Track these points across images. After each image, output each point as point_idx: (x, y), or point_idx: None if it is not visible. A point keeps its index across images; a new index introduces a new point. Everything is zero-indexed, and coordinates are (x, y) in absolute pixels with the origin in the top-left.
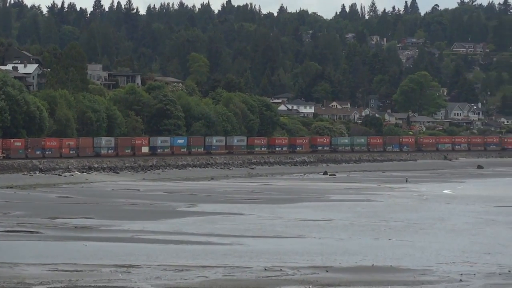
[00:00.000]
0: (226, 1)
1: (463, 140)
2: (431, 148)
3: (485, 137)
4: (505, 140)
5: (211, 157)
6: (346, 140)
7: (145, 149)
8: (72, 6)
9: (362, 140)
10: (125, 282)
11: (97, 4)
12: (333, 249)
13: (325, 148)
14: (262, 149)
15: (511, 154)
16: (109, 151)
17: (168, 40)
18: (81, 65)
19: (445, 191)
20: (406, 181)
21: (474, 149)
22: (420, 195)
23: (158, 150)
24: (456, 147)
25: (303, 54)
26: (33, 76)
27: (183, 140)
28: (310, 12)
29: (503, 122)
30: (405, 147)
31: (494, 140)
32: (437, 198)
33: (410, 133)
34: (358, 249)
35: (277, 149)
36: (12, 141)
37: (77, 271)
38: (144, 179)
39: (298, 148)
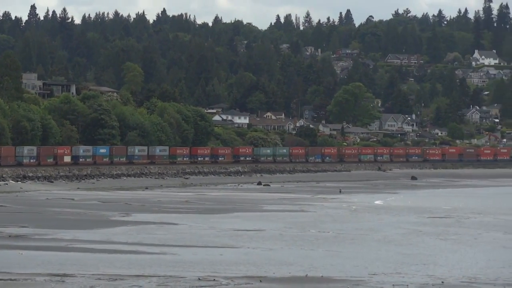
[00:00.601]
0: (161, 11)
1: (385, 151)
2: (353, 159)
3: (407, 148)
4: (427, 151)
5: (145, 167)
6: (269, 151)
7: (67, 159)
8: (7, 14)
9: (284, 150)
10: None
11: (32, 13)
12: (266, 259)
13: (247, 158)
14: (184, 159)
15: (444, 166)
16: (31, 160)
17: (103, 49)
18: (15, 74)
19: (378, 202)
20: (340, 191)
21: (396, 160)
22: (352, 206)
23: (80, 160)
24: (378, 158)
25: (237, 65)
26: None
27: (105, 150)
28: (245, 22)
29: (437, 134)
30: (327, 157)
31: (416, 151)
32: (369, 209)
33: (344, 144)
34: (292, 259)
35: (199, 159)
36: None
37: (11, 279)
38: (78, 188)
39: (220, 158)
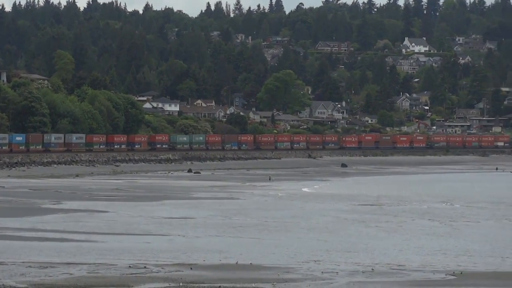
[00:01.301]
0: None
1: (301, 139)
2: (270, 147)
3: (324, 135)
4: (344, 138)
5: (76, 155)
6: (185, 138)
7: None
8: None
9: (201, 138)
10: None
11: None
12: (197, 247)
13: (164, 146)
14: (101, 146)
15: (374, 153)
16: None
17: (34, 37)
18: None
19: (308, 190)
20: (270, 179)
21: (312, 147)
22: (281, 194)
23: None
24: (295, 145)
25: (168, 52)
26: None
27: (21, 138)
28: (175, 10)
29: (367, 121)
30: (243, 145)
31: (333, 139)
32: (299, 196)
33: (275, 131)
34: (222, 247)
35: (115, 146)
36: None
37: None
38: (9, 176)
39: (136, 146)
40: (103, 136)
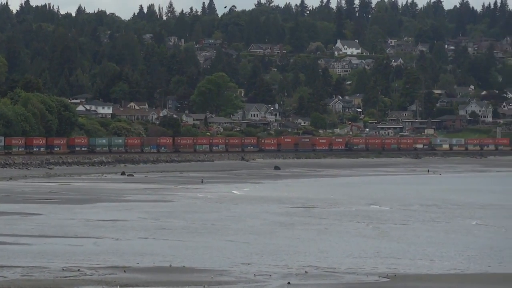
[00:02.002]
0: (25, 1)
1: (220, 141)
2: (189, 149)
3: (243, 138)
4: (263, 141)
5: (10, 157)
6: (104, 141)
7: None
8: None
9: (120, 140)
10: None
11: None
12: (130, 250)
13: (83, 148)
14: (20, 149)
15: (308, 155)
16: None
17: None
18: None
19: (241, 192)
20: (202, 181)
21: (231, 150)
22: (214, 196)
23: None
24: (214, 148)
25: (101, 55)
26: None
27: None
28: (108, 12)
29: (300, 123)
30: (162, 148)
31: (252, 141)
32: (232, 199)
33: (208, 133)
34: (156, 250)
35: (34, 149)
36: None
37: None
38: None
39: (56, 149)
40: (22, 139)
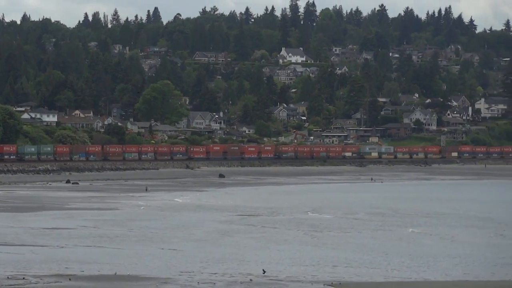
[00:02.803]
0: None
1: (149, 149)
2: (118, 158)
3: (172, 146)
4: (192, 149)
5: None
6: (33, 149)
7: None
8: None
9: (49, 148)
10: None
11: None
12: (74, 257)
13: (11, 156)
14: None
15: (252, 163)
16: None
17: None
18: None
19: (186, 200)
20: (146, 189)
21: (160, 158)
22: (158, 204)
23: None
24: (143, 156)
25: (46, 62)
26: None
27: None
28: (53, 20)
29: (245, 131)
30: (91, 156)
31: (181, 149)
32: (177, 207)
33: (153, 141)
34: (100, 258)
35: None
36: None
37: None
38: None
39: None
40: None
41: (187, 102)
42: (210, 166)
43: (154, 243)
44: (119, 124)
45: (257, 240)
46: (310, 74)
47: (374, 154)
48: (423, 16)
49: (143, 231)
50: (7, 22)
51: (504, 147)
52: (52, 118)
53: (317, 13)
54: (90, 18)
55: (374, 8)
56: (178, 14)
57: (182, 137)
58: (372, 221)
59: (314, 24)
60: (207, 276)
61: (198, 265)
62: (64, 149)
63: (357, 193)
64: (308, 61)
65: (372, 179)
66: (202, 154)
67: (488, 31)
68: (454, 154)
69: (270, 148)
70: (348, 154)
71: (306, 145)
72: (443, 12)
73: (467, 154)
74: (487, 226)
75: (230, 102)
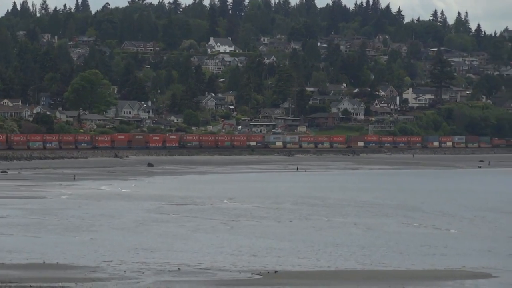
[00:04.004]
0: None
1: (54, 138)
2: (23, 146)
3: (76, 135)
4: (96, 138)
5: None
6: None
7: None
8: None
9: None
10: None
11: None
12: (2, 246)
13: None
14: None
15: (180, 152)
16: None
17: None
18: None
19: (114, 189)
20: (74, 178)
21: (65, 147)
22: (86, 193)
23: None
24: (48, 145)
25: None
26: None
27: None
28: None
29: (173, 120)
30: None
31: (86, 138)
32: (105, 195)
33: (81, 130)
34: (28, 246)
35: None
36: None
37: None
38: None
39: None
40: None
41: (115, 91)
42: (139, 155)
43: (82, 231)
44: (48, 113)
45: (185, 229)
46: (239, 64)
47: (279, 144)
48: (351, 6)
49: (71, 220)
50: None
51: (410, 137)
52: None
53: (246, 3)
54: (19, 7)
55: None
56: (107, 3)
57: (111, 126)
58: (298, 211)
59: (243, 14)
60: (135, 265)
61: (126, 254)
62: None
63: (284, 182)
64: (237, 51)
65: (297, 168)
66: (107, 143)
67: (415, 21)
68: (360, 143)
69: (174, 137)
70: (252, 143)
71: (213, 134)
72: (371, 2)
73: (373, 144)
74: (412, 215)
75: (159, 92)
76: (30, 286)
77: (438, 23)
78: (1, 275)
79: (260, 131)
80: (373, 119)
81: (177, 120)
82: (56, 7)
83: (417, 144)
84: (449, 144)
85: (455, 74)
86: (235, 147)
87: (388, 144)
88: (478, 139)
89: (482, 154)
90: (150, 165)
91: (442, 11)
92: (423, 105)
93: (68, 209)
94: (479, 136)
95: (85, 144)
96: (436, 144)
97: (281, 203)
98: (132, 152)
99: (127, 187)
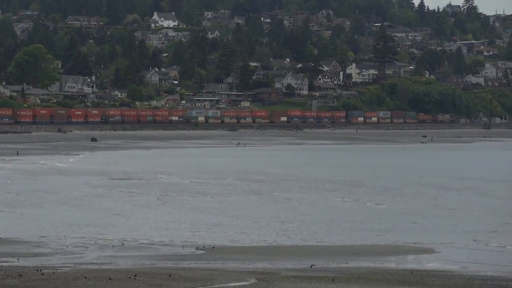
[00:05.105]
0: None
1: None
2: None
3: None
4: (18, 112)
5: None
6: None
7: None
8: None
9: None
10: None
11: None
12: None
13: None
14: None
15: (123, 127)
16: None
17: None
18: None
19: (59, 164)
20: (17, 153)
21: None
22: (31, 168)
23: None
24: None
25: None
26: None
27: None
28: None
29: (117, 95)
30: None
31: (7, 113)
32: (50, 170)
33: (25, 105)
34: None
35: None
36: None
37: None
38: None
39: None
40: None
41: (59, 66)
42: (83, 130)
43: (24, 206)
44: None
45: (129, 204)
46: (182, 39)
47: (201, 118)
48: None
49: (13, 195)
50: None
51: (334, 112)
52: None
53: None
54: None
55: None
56: None
57: (55, 100)
58: (240, 186)
59: None
60: (79, 240)
61: (68, 229)
62: None
63: (227, 157)
64: (180, 26)
65: (239, 143)
66: (29, 118)
67: None
68: (283, 118)
69: (97, 112)
70: (175, 118)
71: (137, 109)
72: None
73: (297, 119)
74: (356, 191)
75: (102, 66)
76: None
77: None
78: None
79: (204, 106)
80: (317, 94)
81: (121, 95)
82: None
83: (341, 120)
84: (374, 119)
85: (398, 49)
86: (157, 122)
87: (312, 119)
88: (404, 115)
89: (425, 129)
90: (93, 139)
91: None
92: (367, 80)
93: (10, 184)
94: (404, 111)
95: (7, 119)
96: (360, 119)
97: (224, 178)
98: (76, 127)
99: (70, 162)
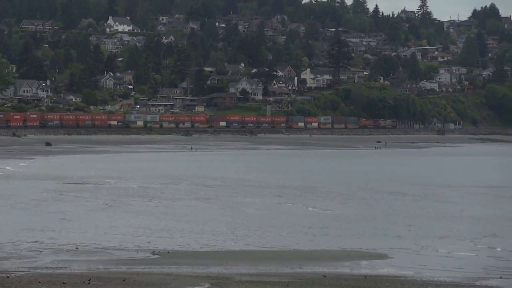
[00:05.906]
0: None
1: None
2: None
3: None
4: None
5: None
6: None
7: None
8: None
9: None
10: None
11: None
12: None
13: None
14: None
15: (78, 132)
16: None
17: None
18: None
19: (11, 168)
20: None
21: None
22: None
23: None
24: None
25: None
26: None
27: None
28: None
29: (72, 100)
30: None
31: None
32: (4, 175)
33: None
34: None
35: None
36: None
37: None
38: None
39: None
40: None
41: (14, 70)
42: (37, 134)
43: None
44: None
45: (83, 208)
46: (137, 43)
47: (140, 123)
48: None
49: None
50: None
51: (275, 117)
52: None
53: None
54: None
55: None
56: None
57: (9, 105)
58: (194, 191)
59: None
60: (33, 244)
61: (22, 233)
62: None
63: (180, 162)
64: (135, 30)
65: (192, 148)
66: None
67: (314, 2)
68: (222, 123)
69: (36, 116)
70: (113, 122)
71: (75, 113)
72: None
73: (236, 124)
74: (311, 197)
75: (57, 71)
76: None
77: (336, 4)
78: None
79: (159, 111)
80: (271, 99)
81: (76, 99)
82: None
83: (281, 125)
84: (315, 124)
85: (353, 54)
86: (96, 126)
87: (251, 125)
88: (345, 120)
89: (380, 135)
90: (48, 144)
91: None
92: (321, 85)
93: None
94: (346, 117)
95: None
96: (301, 124)
97: (178, 183)
98: (31, 131)
99: (24, 167)
